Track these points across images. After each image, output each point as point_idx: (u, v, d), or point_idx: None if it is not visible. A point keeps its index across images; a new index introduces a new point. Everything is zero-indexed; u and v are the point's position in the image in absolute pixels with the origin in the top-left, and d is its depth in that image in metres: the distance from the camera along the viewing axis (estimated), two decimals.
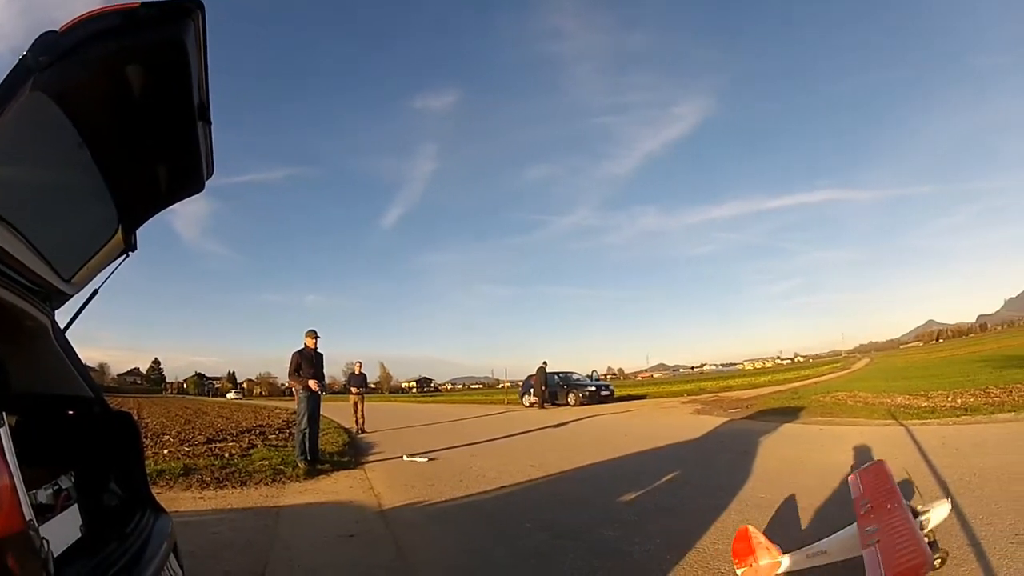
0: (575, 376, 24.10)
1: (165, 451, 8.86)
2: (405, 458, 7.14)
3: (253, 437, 11.20)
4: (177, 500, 5.35)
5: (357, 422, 13.61)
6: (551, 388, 22.19)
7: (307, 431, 7.56)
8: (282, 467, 7.09)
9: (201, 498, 5.63)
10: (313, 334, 8.08)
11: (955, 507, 4.08)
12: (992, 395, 11.89)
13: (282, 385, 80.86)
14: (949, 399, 12.32)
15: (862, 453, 6.56)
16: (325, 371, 8.44)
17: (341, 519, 4.79)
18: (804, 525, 4.03)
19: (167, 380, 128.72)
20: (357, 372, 14.95)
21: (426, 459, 7.11)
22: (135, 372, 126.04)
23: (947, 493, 4.58)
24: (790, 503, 4.62)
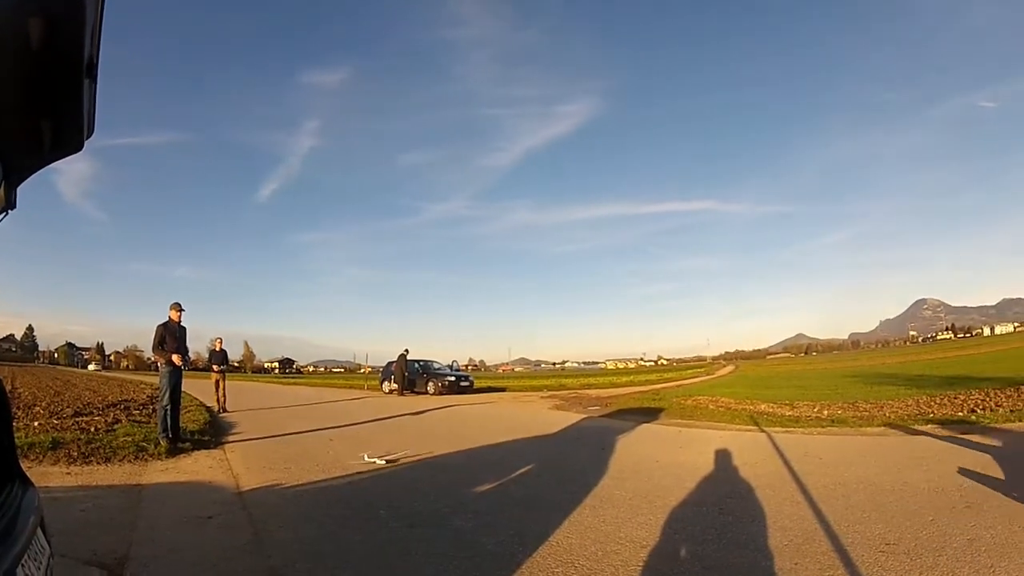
0: (436, 365, 29.87)
1: (35, 423, 11.08)
2: (366, 458, 8.06)
3: (118, 412, 14.16)
4: (47, 475, 6.69)
5: (219, 401, 16.69)
6: (411, 376, 27.76)
7: (168, 408, 9.24)
8: (145, 444, 8.82)
9: (68, 473, 7.00)
10: (178, 307, 9.80)
11: (820, 515, 5.07)
12: (862, 409, 14.64)
13: (148, 359, 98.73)
14: (816, 410, 15.00)
15: (721, 456, 8.13)
16: (190, 346, 10.30)
17: (201, 500, 5.92)
18: (659, 523, 4.94)
19: (39, 348, 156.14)
20: (218, 349, 17.49)
21: (384, 461, 7.96)
22: (10, 339, 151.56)
23: (810, 500, 5.60)
24: (644, 501, 5.69)
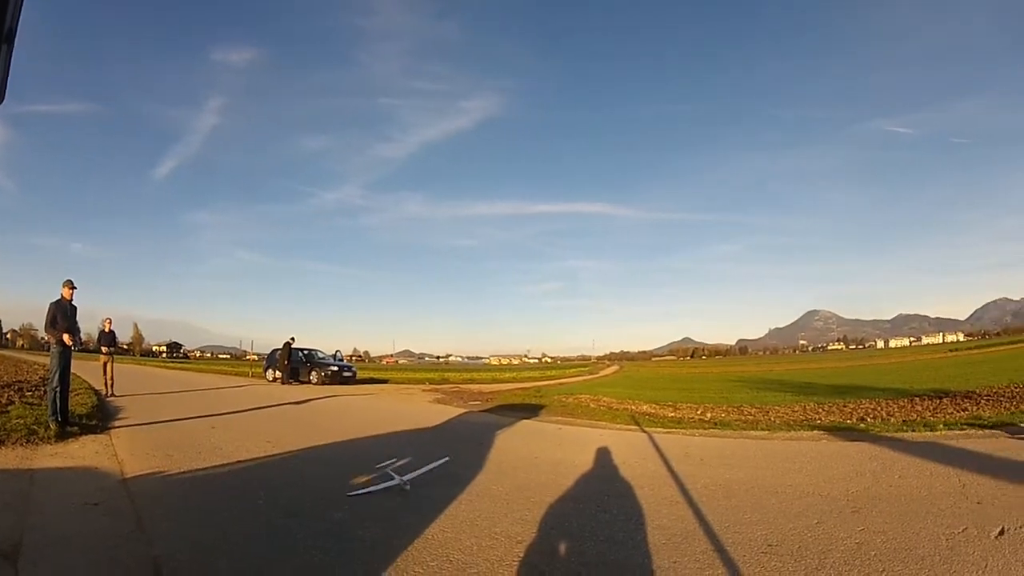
0: (319, 354, 32.96)
1: None
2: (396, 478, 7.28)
3: (12, 393, 15.40)
4: None
5: (107, 384, 18.13)
6: (294, 364, 30.45)
7: (58, 390, 9.96)
8: (36, 427, 9.58)
9: None
10: (70, 284, 10.49)
11: (699, 515, 5.38)
12: (747, 413, 15.71)
13: (42, 339, 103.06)
14: (699, 412, 16.09)
15: (600, 454, 8.76)
16: (81, 326, 11.81)
17: (88, 486, 6.36)
18: (536, 519, 5.33)
19: None
20: (107, 330, 18.86)
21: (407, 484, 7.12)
22: None
23: (690, 501, 5.96)
24: (522, 496, 6.19)
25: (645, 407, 17.70)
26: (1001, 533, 4.45)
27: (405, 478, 6.75)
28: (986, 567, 3.86)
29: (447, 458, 8.32)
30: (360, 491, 6.27)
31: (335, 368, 30.47)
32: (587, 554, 4.32)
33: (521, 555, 4.36)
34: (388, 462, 7.73)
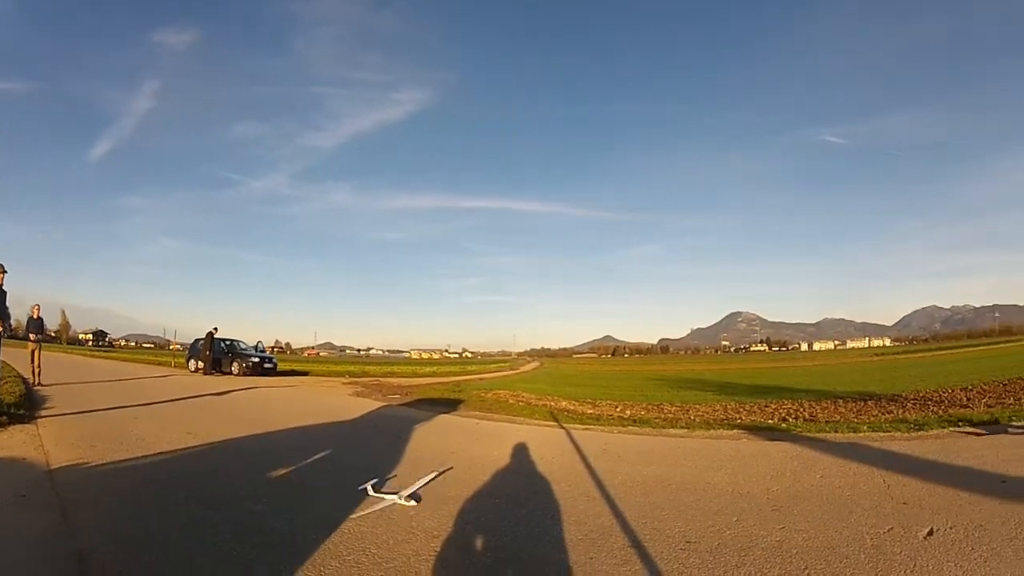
0: (241, 345, 33.85)
1: None
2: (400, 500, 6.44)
3: None
4: None
5: (34, 372, 18.29)
6: (216, 355, 31.02)
7: None
8: None
9: None
10: (0, 268, 11.25)
11: (616, 511, 5.43)
12: (666, 411, 16.08)
13: None
14: (618, 409, 16.42)
15: (518, 449, 8.95)
16: (12, 312, 12.67)
17: (15, 477, 6.52)
18: (453, 514, 5.44)
19: None
20: (35, 317, 18.88)
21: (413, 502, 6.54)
22: None
23: (607, 497, 6.03)
24: (438, 490, 6.32)
25: (564, 404, 18.18)
26: (930, 534, 4.52)
27: (322, 471, 7.10)
28: (915, 567, 3.92)
29: (364, 451, 8.70)
30: (277, 483, 6.52)
31: (256, 359, 31.36)
32: (503, 549, 4.40)
33: (437, 550, 4.42)
34: (306, 455, 7.95)
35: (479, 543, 4.61)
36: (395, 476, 7.22)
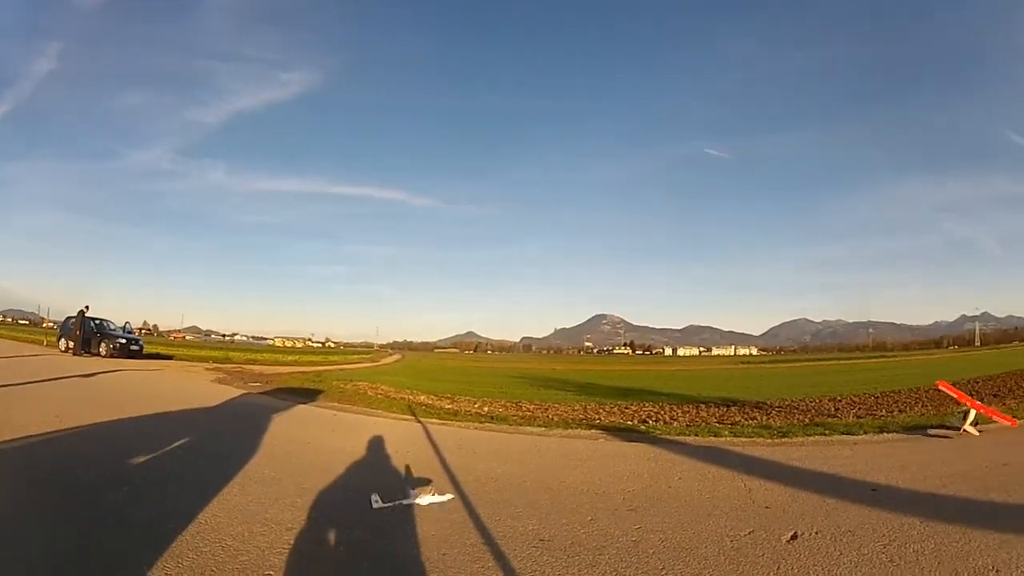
0: (111, 325, 33.89)
1: None
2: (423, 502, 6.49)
3: None
4: None
5: None
6: (86, 335, 30.81)
7: None
8: None
9: None
10: None
11: (470, 507, 5.50)
12: (525, 409, 16.44)
13: None
14: (476, 405, 16.74)
15: (374, 442, 9.03)
16: None
17: None
18: (306, 506, 5.50)
19: None
20: None
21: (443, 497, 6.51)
22: None
23: (461, 493, 6.09)
24: (293, 483, 6.39)
25: (423, 398, 18.61)
26: (794, 538, 4.67)
27: (181, 459, 7.28)
28: (778, 570, 4.04)
29: (223, 440, 8.87)
30: (136, 471, 6.50)
31: (124, 341, 31.52)
32: (356, 543, 4.47)
33: (291, 543, 4.48)
34: (166, 442, 7.99)
35: (332, 537, 4.68)
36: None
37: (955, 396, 11.02)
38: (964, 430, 9.73)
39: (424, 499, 6.48)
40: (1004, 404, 12.99)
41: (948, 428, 10.07)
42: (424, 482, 6.58)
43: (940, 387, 11.79)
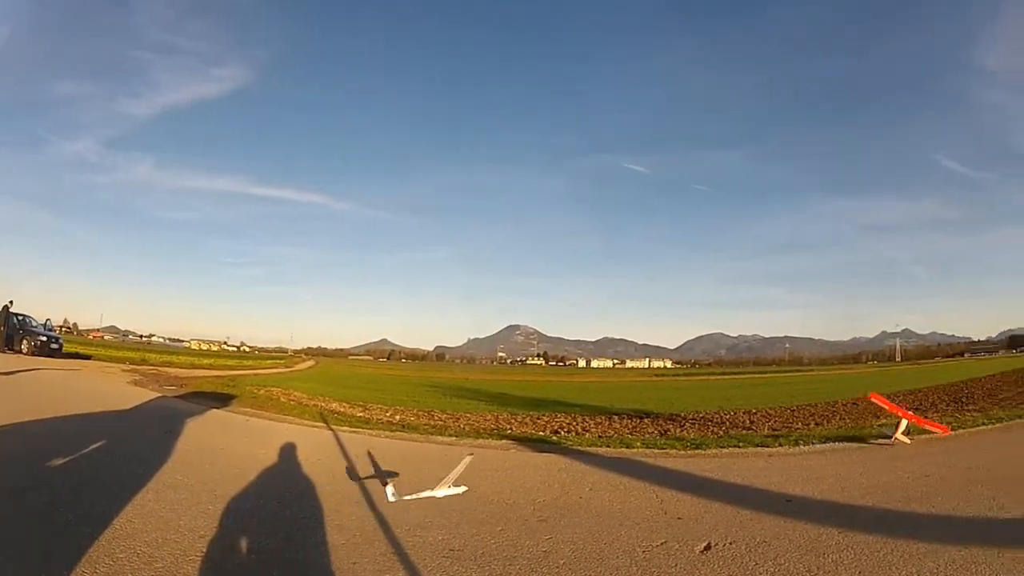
0: (33, 323, 32.88)
1: None
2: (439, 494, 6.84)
3: None
4: None
5: None
6: (9, 331, 30.21)
7: None
8: None
9: None
10: None
11: (380, 517, 5.48)
12: (437, 418, 16.47)
13: None
14: (388, 414, 16.79)
15: (286, 449, 8.98)
16: None
17: None
18: (219, 512, 5.46)
19: None
20: None
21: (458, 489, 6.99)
22: None
23: (370, 502, 6.07)
24: (206, 489, 6.35)
25: (335, 405, 18.73)
26: (707, 548, 4.69)
27: (97, 462, 7.18)
28: None
29: (137, 444, 8.73)
30: (54, 474, 6.42)
31: (44, 339, 31.00)
32: (267, 551, 4.49)
33: (204, 550, 4.46)
34: (83, 444, 7.84)
35: (244, 545, 4.66)
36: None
37: (887, 407, 11.42)
38: (896, 439, 9.99)
39: (440, 491, 6.62)
40: (926, 417, 13.37)
41: (882, 437, 10.33)
42: (393, 474, 6.76)
43: (872, 399, 12.08)
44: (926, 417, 12.33)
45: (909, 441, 10.03)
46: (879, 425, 11.20)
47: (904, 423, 10.36)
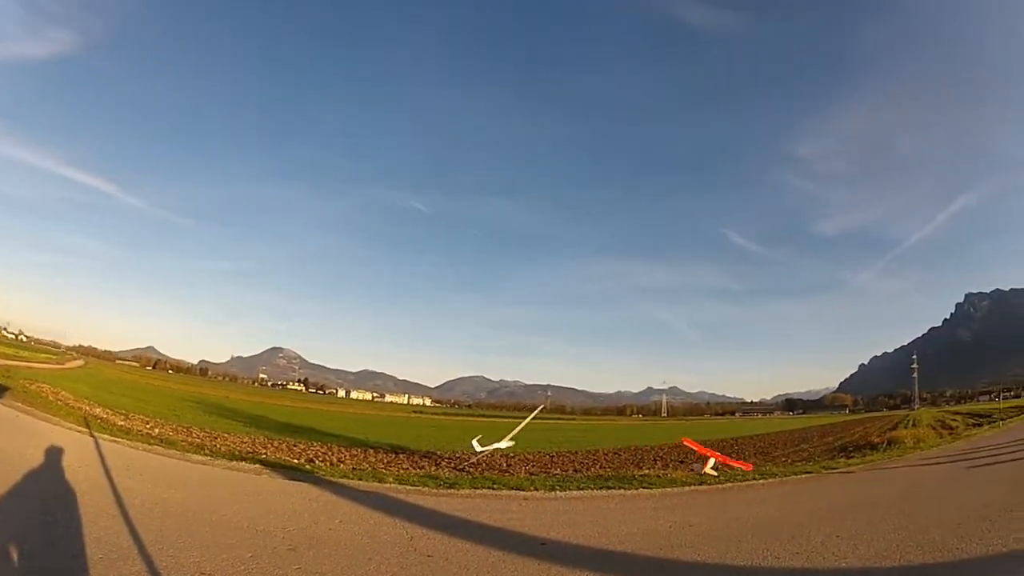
0: None
1: None
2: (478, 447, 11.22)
3: None
4: None
5: None
6: None
7: None
8: None
9: None
10: None
11: (135, 533, 5.52)
12: (195, 435, 16.28)
13: None
14: (149, 426, 16.57)
15: (51, 452, 8.79)
16: None
17: None
18: None
19: None
20: None
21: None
22: None
23: (126, 516, 6.08)
24: None
25: (99, 410, 18.47)
26: None
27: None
28: None
29: None
30: None
31: None
32: (35, 557, 4.48)
33: None
34: None
35: (13, 551, 4.59)
36: None
37: (697, 449, 13.44)
38: (705, 472, 11.76)
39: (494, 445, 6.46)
40: (684, 465, 14.62)
41: (694, 473, 11.83)
42: None
43: (685, 443, 14.22)
44: (679, 465, 14.21)
45: (715, 474, 11.80)
46: (693, 464, 12.87)
47: (712, 460, 12.28)
